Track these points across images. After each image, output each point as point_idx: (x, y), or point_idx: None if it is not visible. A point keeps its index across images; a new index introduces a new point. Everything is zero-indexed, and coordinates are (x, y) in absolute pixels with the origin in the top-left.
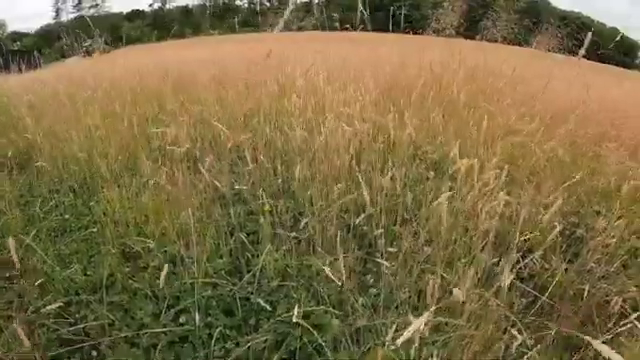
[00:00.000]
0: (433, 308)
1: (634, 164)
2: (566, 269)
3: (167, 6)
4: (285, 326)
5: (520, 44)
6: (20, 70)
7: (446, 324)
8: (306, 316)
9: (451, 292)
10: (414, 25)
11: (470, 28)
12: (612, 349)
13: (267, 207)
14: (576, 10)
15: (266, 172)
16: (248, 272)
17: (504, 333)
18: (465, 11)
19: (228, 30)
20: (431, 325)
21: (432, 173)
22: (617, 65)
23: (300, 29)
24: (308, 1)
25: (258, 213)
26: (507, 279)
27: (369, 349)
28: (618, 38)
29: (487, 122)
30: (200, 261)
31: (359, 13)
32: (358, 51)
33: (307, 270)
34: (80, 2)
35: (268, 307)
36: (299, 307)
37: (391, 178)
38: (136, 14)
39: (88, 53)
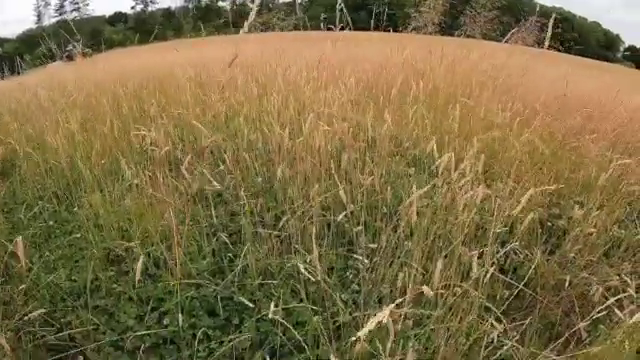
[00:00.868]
0: (404, 298)
1: (614, 155)
2: (548, 260)
3: (149, 8)
4: (267, 324)
5: (498, 40)
6: (2, 76)
7: (428, 317)
8: (289, 314)
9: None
10: (396, 23)
11: (451, 25)
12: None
13: (248, 207)
14: (557, 5)
15: (247, 172)
16: (231, 272)
17: (485, 324)
18: (446, 9)
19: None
20: (412, 319)
21: (412, 169)
22: (598, 59)
23: (282, 29)
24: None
25: (240, 213)
26: (487, 271)
27: (350, 344)
28: (600, 32)
29: (466, 116)
30: (183, 263)
31: (338, 13)
32: (339, 50)
33: (288, 268)
34: (62, 6)
35: (251, 305)
36: (280, 305)
37: (371, 175)
38: (118, 17)
39: (70, 58)
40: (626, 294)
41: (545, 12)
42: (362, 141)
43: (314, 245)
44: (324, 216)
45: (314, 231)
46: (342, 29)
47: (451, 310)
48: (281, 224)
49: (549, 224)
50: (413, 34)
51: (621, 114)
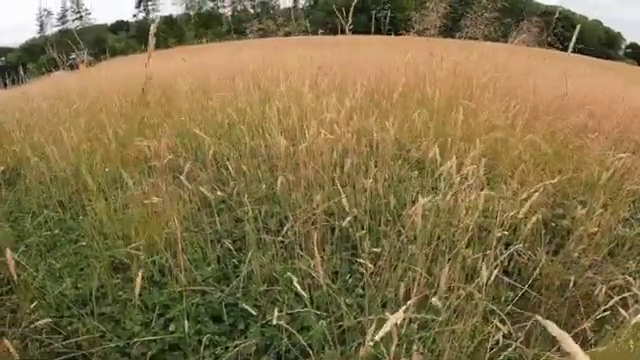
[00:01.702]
0: (410, 302)
1: (617, 153)
2: (552, 260)
3: (151, 16)
4: (272, 330)
5: (499, 41)
6: (5, 86)
7: (432, 320)
8: (293, 319)
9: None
10: (397, 27)
11: (452, 27)
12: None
13: (252, 214)
14: (557, 4)
15: (251, 179)
16: (236, 278)
17: (490, 326)
18: (447, 11)
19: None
20: (417, 322)
21: (415, 172)
22: (600, 57)
23: (286, 35)
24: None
25: (244, 220)
26: (492, 272)
27: (354, 348)
28: (601, 30)
29: (468, 119)
30: (188, 269)
31: (340, 17)
32: (341, 54)
33: (293, 274)
34: (64, 15)
35: (254, 313)
36: (285, 310)
37: (374, 179)
38: (120, 25)
39: (72, 67)
40: (630, 293)
41: (545, 11)
42: (365, 146)
43: (317, 251)
44: (328, 221)
45: (316, 237)
46: (343, 33)
47: (455, 313)
48: (285, 230)
49: (553, 224)
50: (414, 37)
51: (624, 112)
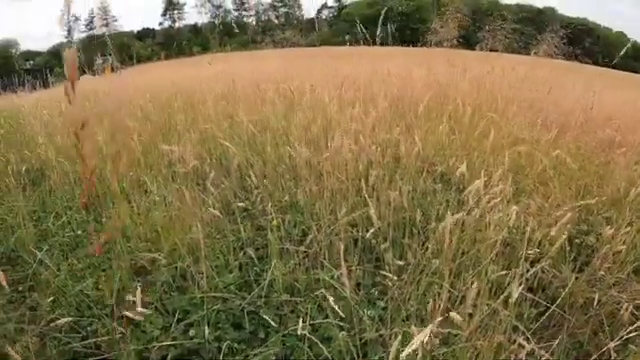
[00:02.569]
0: (437, 320)
1: None
2: (576, 278)
3: (177, 24)
4: (293, 339)
5: (520, 53)
6: (33, 88)
7: (455, 335)
8: (315, 329)
9: (461, 302)
10: (417, 38)
11: (471, 38)
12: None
13: (275, 222)
14: (581, 16)
15: (274, 188)
16: (258, 286)
17: (513, 343)
18: (467, 23)
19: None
20: (440, 337)
21: (440, 186)
22: (626, 70)
23: (309, 45)
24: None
25: (267, 228)
26: (516, 289)
27: None
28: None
29: (493, 132)
30: (210, 276)
31: (364, 28)
32: (364, 65)
33: (315, 284)
34: (91, 21)
35: (274, 324)
36: (307, 320)
37: (399, 192)
38: (146, 33)
39: (98, 72)
40: None
41: (570, 23)
42: (390, 157)
43: (342, 261)
44: (352, 232)
45: (342, 247)
46: (366, 44)
47: (479, 329)
48: (308, 240)
49: (577, 241)
50: (434, 49)
51: None
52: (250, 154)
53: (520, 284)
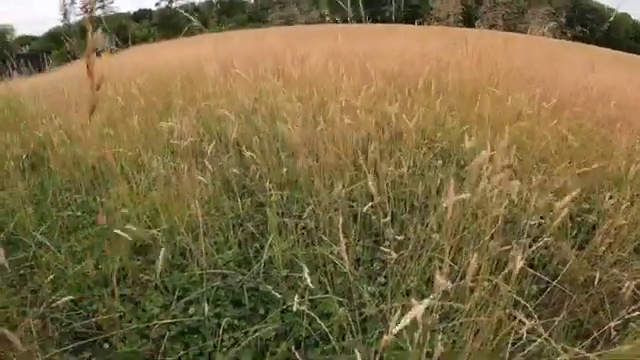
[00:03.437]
0: (435, 294)
1: None
2: (577, 255)
3: (173, 4)
4: (293, 316)
5: (520, 30)
6: (30, 73)
7: (456, 311)
8: (314, 305)
9: (462, 278)
10: (418, 16)
11: (471, 15)
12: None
13: (274, 198)
14: None
15: (272, 163)
16: (257, 263)
17: (514, 320)
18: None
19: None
20: (440, 312)
21: (440, 161)
22: (629, 51)
23: (308, 23)
24: None
25: (266, 204)
26: (517, 264)
27: (376, 336)
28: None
29: (494, 107)
30: (209, 253)
31: (363, 6)
32: (364, 42)
33: (314, 260)
34: (88, 3)
35: (278, 296)
36: (306, 296)
37: (398, 166)
38: (143, 14)
39: (96, 54)
40: None
41: (576, 5)
42: (388, 132)
43: (341, 236)
44: (351, 207)
45: (340, 222)
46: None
47: (479, 305)
48: (305, 214)
49: (579, 219)
50: (435, 26)
51: None
52: (247, 130)
53: (522, 259)
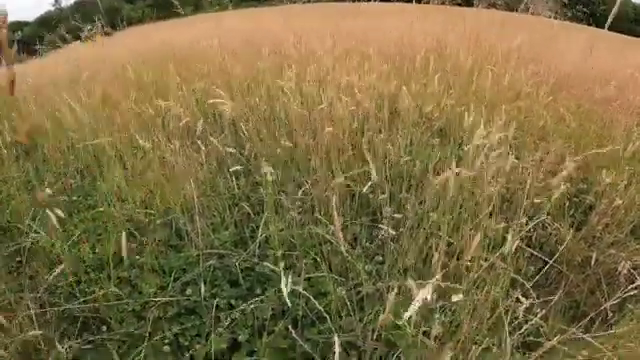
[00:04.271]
0: (439, 276)
1: None
2: (574, 236)
3: None
4: (289, 295)
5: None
6: (21, 59)
7: (453, 289)
8: (311, 284)
9: (457, 257)
10: None
11: None
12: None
13: (270, 177)
14: None
15: (269, 143)
16: (253, 243)
17: (510, 299)
18: None
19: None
20: (437, 291)
21: (437, 140)
22: (629, 34)
23: (304, 2)
24: None
25: (262, 184)
26: (514, 243)
27: (373, 315)
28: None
29: (492, 85)
30: (205, 233)
31: None
32: (362, 22)
33: (311, 239)
34: None
35: (275, 272)
36: (303, 275)
37: (395, 145)
38: None
39: (89, 38)
40: None
41: None
42: (386, 110)
43: (335, 215)
44: (348, 186)
45: (335, 201)
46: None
47: (476, 284)
48: (299, 193)
49: (576, 199)
50: (433, 5)
51: None
52: (243, 110)
53: (519, 238)
